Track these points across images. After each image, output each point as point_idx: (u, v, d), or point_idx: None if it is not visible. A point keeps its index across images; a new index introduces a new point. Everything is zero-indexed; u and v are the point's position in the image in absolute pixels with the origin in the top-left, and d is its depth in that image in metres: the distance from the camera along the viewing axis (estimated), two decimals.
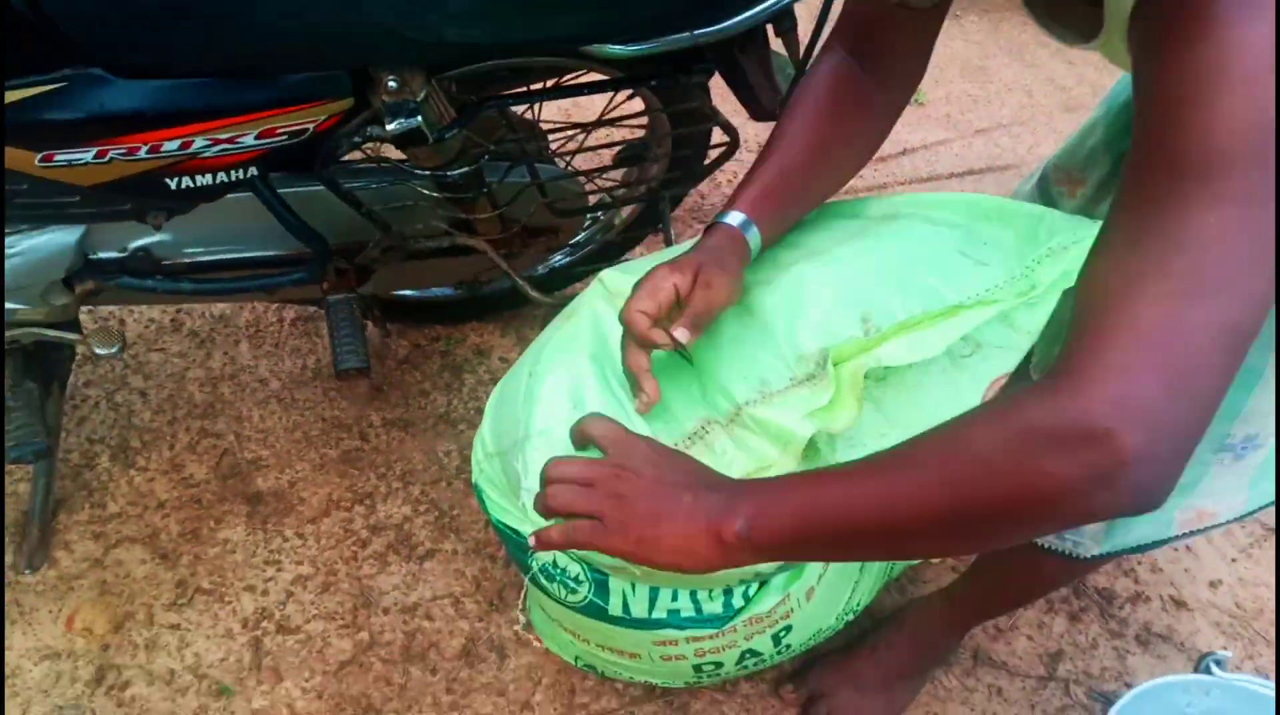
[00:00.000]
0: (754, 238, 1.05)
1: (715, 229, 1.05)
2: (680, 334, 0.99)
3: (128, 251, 1.46)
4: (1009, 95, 2.76)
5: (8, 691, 1.46)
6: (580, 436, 0.94)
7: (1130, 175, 0.71)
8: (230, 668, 1.52)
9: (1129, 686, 1.66)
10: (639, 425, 1.06)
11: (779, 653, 1.47)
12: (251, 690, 1.50)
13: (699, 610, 1.36)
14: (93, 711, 1.46)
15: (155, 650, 1.52)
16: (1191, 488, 1.16)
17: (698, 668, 1.43)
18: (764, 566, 1.24)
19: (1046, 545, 1.26)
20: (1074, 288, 0.74)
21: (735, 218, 1.05)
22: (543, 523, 0.91)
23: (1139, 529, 1.22)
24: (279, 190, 1.41)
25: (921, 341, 1.07)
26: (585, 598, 1.35)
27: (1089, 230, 1.14)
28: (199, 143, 1.22)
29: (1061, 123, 2.64)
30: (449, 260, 1.65)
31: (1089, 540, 1.24)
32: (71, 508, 1.64)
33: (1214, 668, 1.33)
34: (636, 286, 1.00)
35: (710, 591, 1.36)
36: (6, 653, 1.49)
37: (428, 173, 1.43)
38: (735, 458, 1.05)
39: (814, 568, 1.40)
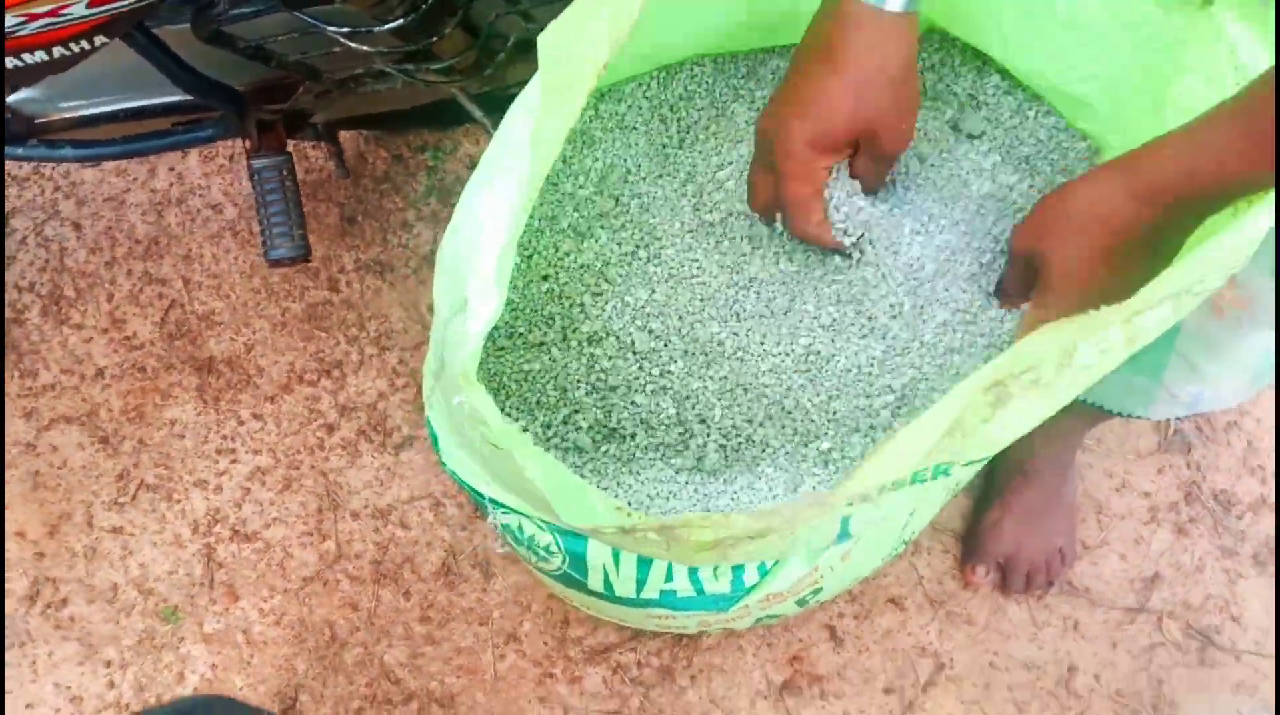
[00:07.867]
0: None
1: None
2: None
3: None
4: None
5: None
6: None
7: None
8: (180, 582, 1.34)
9: (1234, 620, 1.40)
10: None
11: (801, 607, 1.22)
12: (203, 611, 1.33)
13: (700, 590, 1.11)
14: (28, 634, 1.31)
15: (96, 559, 1.34)
16: None
17: (703, 631, 1.21)
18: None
19: None
20: None
21: None
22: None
23: None
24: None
25: None
26: (560, 569, 1.10)
27: None
28: (10, 19, 0.87)
29: None
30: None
31: None
32: None
33: None
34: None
35: (716, 569, 1.10)
36: None
37: (370, 29, 1.03)
38: None
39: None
